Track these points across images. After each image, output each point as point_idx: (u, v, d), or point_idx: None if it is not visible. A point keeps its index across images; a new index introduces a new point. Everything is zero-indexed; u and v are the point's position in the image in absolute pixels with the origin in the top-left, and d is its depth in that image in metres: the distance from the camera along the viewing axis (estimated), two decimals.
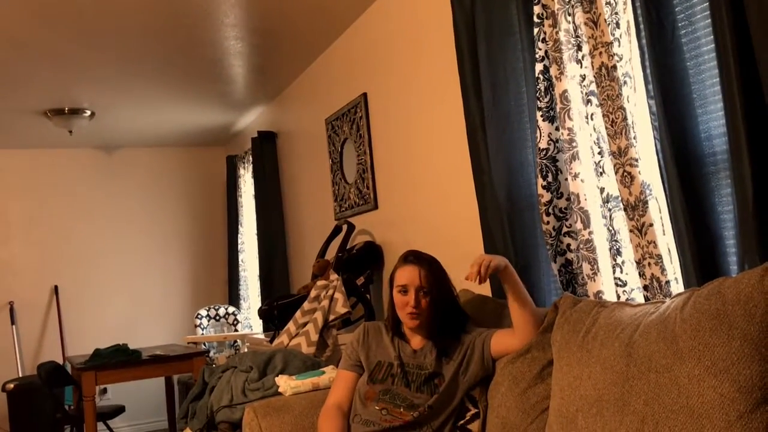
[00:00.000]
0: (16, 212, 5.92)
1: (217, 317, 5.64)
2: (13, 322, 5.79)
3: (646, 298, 1.89)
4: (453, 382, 2.03)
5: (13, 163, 5.93)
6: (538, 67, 2.20)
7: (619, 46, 1.93)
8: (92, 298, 6.06)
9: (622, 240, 2.01)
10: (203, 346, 5.12)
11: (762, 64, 1.48)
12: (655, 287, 1.85)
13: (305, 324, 3.30)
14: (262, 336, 4.26)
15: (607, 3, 1.96)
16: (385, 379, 2.08)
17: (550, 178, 2.19)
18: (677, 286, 1.83)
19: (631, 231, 1.91)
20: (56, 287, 5.97)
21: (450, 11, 2.63)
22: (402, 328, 2.17)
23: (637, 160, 1.87)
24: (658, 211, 1.87)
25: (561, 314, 1.86)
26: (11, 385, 5.00)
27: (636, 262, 1.91)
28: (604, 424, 1.54)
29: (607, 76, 1.93)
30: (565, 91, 2.13)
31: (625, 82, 1.91)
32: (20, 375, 5.60)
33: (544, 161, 2.20)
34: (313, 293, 3.42)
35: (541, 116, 2.20)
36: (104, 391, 5.87)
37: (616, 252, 2.03)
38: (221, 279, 6.45)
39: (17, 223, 5.92)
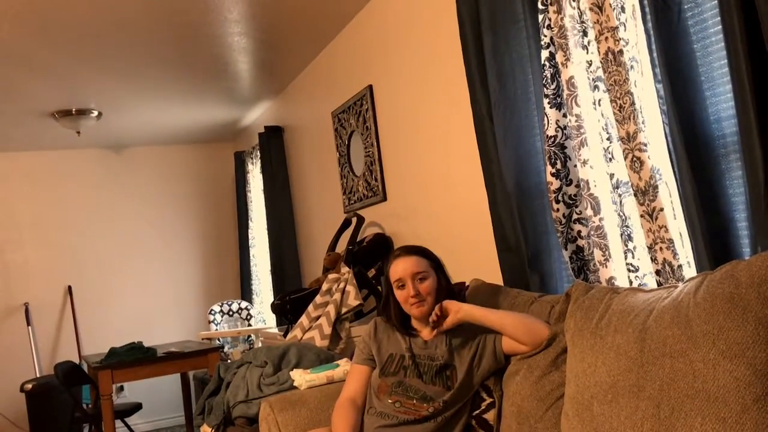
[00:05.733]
0: (27, 214, 5.96)
1: (231, 312, 5.67)
2: (29, 323, 5.84)
3: (659, 283, 1.88)
4: (467, 378, 2.03)
5: (23, 165, 5.96)
6: (544, 54, 2.19)
7: (625, 30, 1.91)
8: (106, 297, 6.10)
9: (633, 225, 2.01)
10: (217, 342, 5.15)
11: None
12: (667, 272, 1.84)
13: (318, 317, 3.31)
14: (275, 330, 4.28)
15: None
16: (397, 371, 2.08)
17: (558, 165, 2.18)
18: (690, 270, 1.82)
19: (641, 216, 1.90)
20: (70, 287, 6.01)
21: (453, 0, 2.62)
22: (411, 322, 2.17)
23: (646, 145, 1.86)
24: (669, 195, 1.86)
25: (573, 302, 1.86)
26: (29, 386, 5.05)
27: (648, 247, 1.90)
28: (619, 410, 1.54)
29: (613, 61, 1.92)
30: (572, 77, 2.11)
31: (632, 67, 1.90)
32: (38, 375, 5.66)
33: (552, 148, 2.19)
34: (324, 286, 3.43)
35: (548, 103, 2.19)
36: (121, 389, 5.92)
37: (627, 237, 2.02)
38: (233, 274, 6.48)
39: (29, 225, 5.96)
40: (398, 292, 2.13)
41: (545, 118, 2.20)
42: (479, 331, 2.07)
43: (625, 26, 1.91)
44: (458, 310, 2.02)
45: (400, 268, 2.12)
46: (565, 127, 2.18)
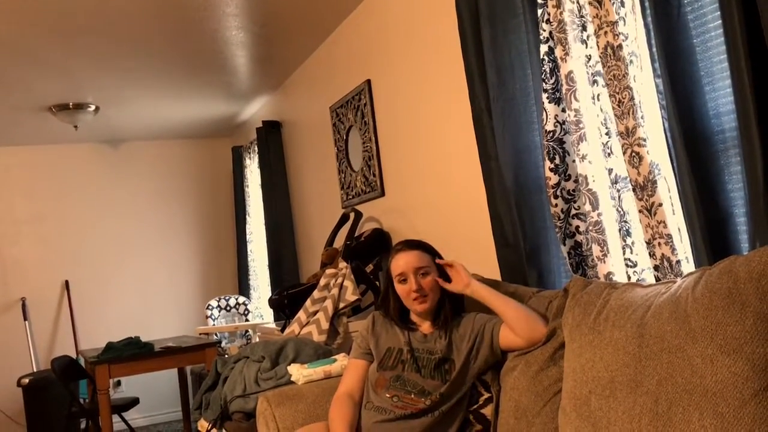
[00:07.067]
0: (24, 209, 5.95)
1: (228, 308, 5.66)
2: (25, 318, 5.83)
3: (657, 279, 1.88)
4: (464, 369, 2.03)
5: (19, 160, 5.95)
6: (543, 48, 2.18)
7: (625, 24, 1.91)
8: (103, 292, 6.09)
9: (632, 221, 2.00)
10: (215, 337, 5.15)
11: None
12: (665, 267, 1.84)
13: (315, 312, 3.31)
14: (273, 325, 4.28)
15: None
16: (395, 365, 2.08)
17: (557, 161, 2.18)
18: (688, 266, 1.82)
19: (640, 211, 1.90)
20: (67, 282, 6.00)
21: None
22: (410, 316, 2.17)
23: (644, 140, 1.86)
24: (667, 190, 1.85)
25: (572, 297, 1.86)
26: (26, 380, 5.04)
27: (646, 242, 1.90)
28: (617, 405, 1.54)
29: (612, 56, 1.91)
30: (571, 72, 2.11)
31: (631, 62, 1.89)
32: (34, 370, 5.65)
33: (551, 143, 2.18)
34: (322, 282, 3.42)
35: (547, 98, 2.18)
36: (118, 383, 5.91)
37: (625, 233, 2.02)
38: (231, 269, 6.47)
39: (25, 220, 5.95)
40: (399, 287, 2.12)
41: (544, 113, 2.19)
42: (478, 324, 2.07)
43: (624, 21, 1.91)
44: (468, 284, 2.06)
45: (402, 262, 2.11)
46: (563, 122, 2.18)
